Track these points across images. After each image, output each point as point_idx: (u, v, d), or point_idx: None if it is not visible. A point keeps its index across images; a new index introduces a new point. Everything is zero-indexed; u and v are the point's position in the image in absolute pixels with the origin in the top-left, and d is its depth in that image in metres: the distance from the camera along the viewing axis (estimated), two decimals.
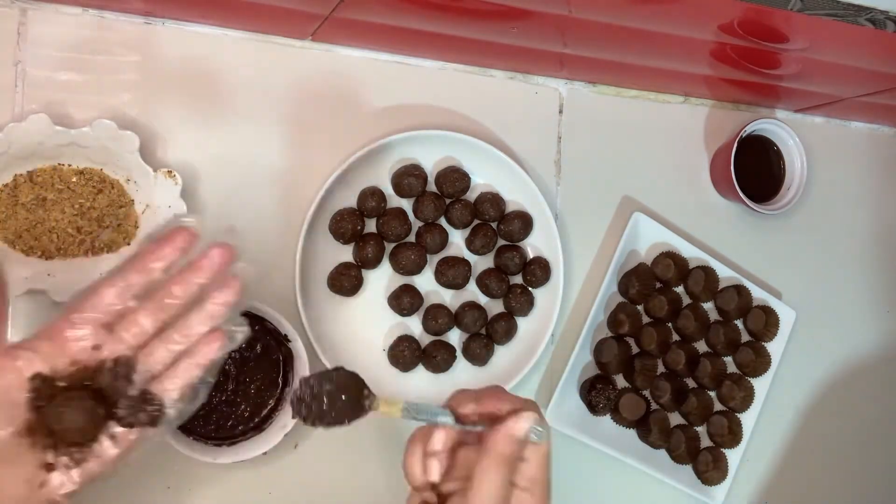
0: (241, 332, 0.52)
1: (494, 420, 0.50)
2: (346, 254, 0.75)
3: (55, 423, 0.47)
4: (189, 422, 0.66)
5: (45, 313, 0.65)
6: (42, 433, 0.47)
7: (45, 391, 0.47)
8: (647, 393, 0.82)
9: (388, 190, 0.76)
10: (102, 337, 0.49)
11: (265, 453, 0.67)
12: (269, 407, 0.68)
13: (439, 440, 0.51)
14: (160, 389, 0.50)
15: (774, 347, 0.87)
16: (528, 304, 0.77)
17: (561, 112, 0.83)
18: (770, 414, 0.89)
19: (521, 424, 0.50)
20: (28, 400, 0.47)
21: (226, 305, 0.51)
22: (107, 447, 0.49)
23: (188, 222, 0.52)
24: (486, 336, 0.77)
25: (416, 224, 0.77)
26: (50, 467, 0.48)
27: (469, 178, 0.76)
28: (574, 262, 0.82)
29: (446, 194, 0.76)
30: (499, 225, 0.78)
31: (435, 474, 0.50)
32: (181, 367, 0.51)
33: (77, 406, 0.48)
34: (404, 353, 0.74)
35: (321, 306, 0.73)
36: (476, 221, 0.78)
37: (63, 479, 0.48)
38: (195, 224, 0.52)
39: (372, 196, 0.73)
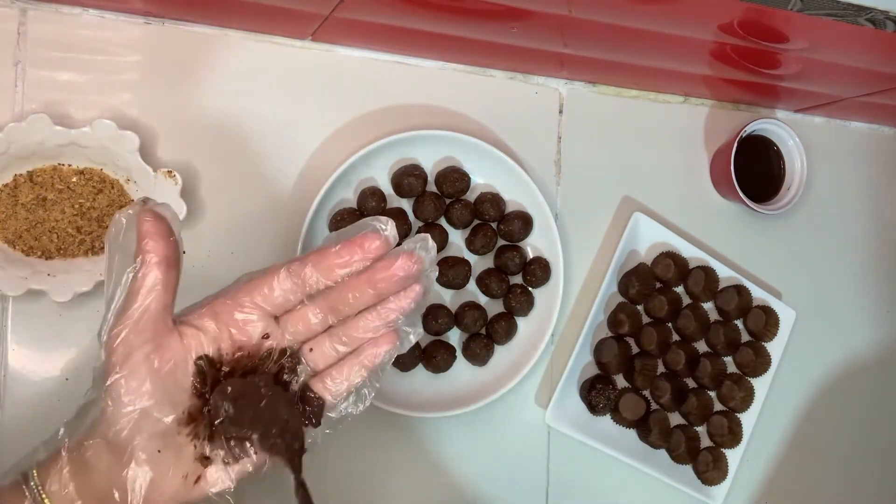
0: (416, 334, 0.50)
1: None
2: None
3: (218, 412, 0.44)
4: None
5: (45, 313, 0.65)
6: (204, 423, 0.44)
7: (209, 376, 0.44)
8: (647, 393, 0.82)
9: (388, 190, 0.76)
10: (270, 326, 0.46)
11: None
12: None
13: None
14: (321, 388, 0.48)
15: (774, 347, 0.87)
16: (528, 304, 0.77)
17: (561, 112, 0.83)
18: (770, 414, 0.89)
19: None
20: (192, 384, 0.44)
21: (401, 312, 0.48)
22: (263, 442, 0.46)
23: (385, 230, 0.47)
24: (486, 336, 0.77)
25: (416, 224, 0.77)
26: (206, 461, 0.44)
27: (469, 178, 0.76)
28: (574, 262, 0.82)
29: (446, 194, 0.76)
30: (499, 225, 0.78)
31: None
32: (346, 366, 0.48)
33: (244, 395, 0.44)
34: (404, 353, 0.74)
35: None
36: (476, 221, 0.78)
37: (220, 476, 0.45)
38: (391, 232, 0.47)
39: (372, 196, 0.73)
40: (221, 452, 0.45)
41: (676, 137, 0.88)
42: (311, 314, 0.47)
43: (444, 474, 0.77)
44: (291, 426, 0.46)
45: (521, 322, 0.79)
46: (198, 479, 0.45)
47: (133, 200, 0.67)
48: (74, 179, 0.65)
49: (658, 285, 0.84)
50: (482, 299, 0.79)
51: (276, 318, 0.47)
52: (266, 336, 0.47)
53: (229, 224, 0.71)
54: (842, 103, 0.89)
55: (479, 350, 0.76)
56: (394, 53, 0.77)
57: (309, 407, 0.47)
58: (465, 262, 0.77)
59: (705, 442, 0.85)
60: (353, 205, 0.74)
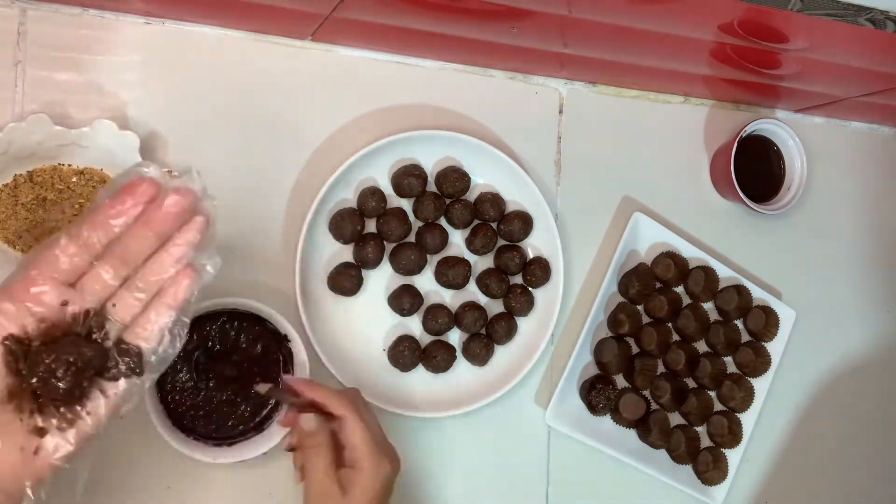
0: (213, 265, 0.50)
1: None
2: (346, 254, 0.75)
3: (38, 383, 0.46)
4: (189, 422, 0.66)
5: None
6: (26, 397, 0.46)
7: (19, 352, 0.46)
8: (647, 393, 0.82)
9: (388, 190, 0.76)
10: (67, 293, 0.47)
11: (265, 453, 0.67)
12: (269, 407, 0.68)
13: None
14: (134, 337, 0.49)
15: (774, 347, 0.87)
16: (528, 304, 0.77)
17: (561, 112, 0.83)
18: (770, 414, 0.89)
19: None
20: (4, 363, 0.45)
21: (189, 245, 0.49)
22: (96, 403, 0.47)
23: (148, 171, 0.48)
24: (486, 336, 0.77)
25: (416, 224, 0.77)
26: (42, 431, 0.46)
27: (469, 178, 0.76)
28: (574, 262, 0.82)
29: (446, 194, 0.76)
30: (499, 225, 0.78)
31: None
32: (152, 311, 0.49)
33: (57, 361, 0.46)
34: (404, 353, 0.74)
35: (321, 306, 0.73)
36: (476, 221, 0.78)
37: (58, 442, 0.46)
38: (155, 173, 0.48)
39: (372, 196, 0.73)
40: (55, 421, 0.46)
41: (676, 137, 0.88)
42: (103, 272, 0.48)
43: (444, 474, 0.77)
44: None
45: (521, 322, 0.79)
46: (36, 450, 0.46)
47: None
48: (74, 179, 0.65)
49: (658, 285, 0.84)
50: (482, 299, 0.79)
51: (73, 285, 0.48)
52: (65, 303, 0.48)
53: (229, 224, 0.71)
54: (842, 103, 0.89)
55: (479, 350, 0.76)
56: (394, 53, 0.77)
57: (128, 358, 0.49)
58: (465, 262, 0.76)
59: (705, 442, 0.85)
60: (353, 205, 0.74)
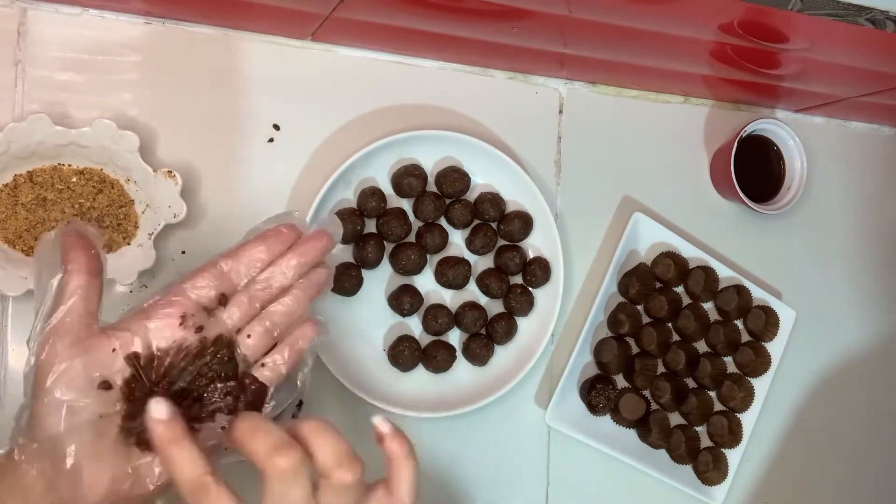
0: (328, 323, 0.54)
1: None
2: (346, 254, 0.75)
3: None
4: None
5: None
6: (135, 421, 0.46)
7: (141, 370, 0.46)
8: (647, 393, 0.82)
9: (388, 190, 0.76)
10: (203, 318, 0.49)
11: None
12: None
13: None
14: (260, 374, 0.50)
15: (774, 347, 0.87)
16: (528, 304, 0.77)
17: (561, 112, 0.83)
18: (770, 414, 0.89)
19: None
20: (124, 383, 0.46)
21: (319, 287, 0.53)
22: (206, 436, 0.47)
23: (296, 219, 0.53)
24: (486, 336, 0.77)
25: (416, 224, 0.77)
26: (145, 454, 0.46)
27: (469, 178, 0.76)
28: (574, 262, 0.82)
29: (446, 194, 0.76)
30: (499, 225, 0.78)
31: None
32: (278, 353, 0.50)
33: (190, 383, 0.46)
34: (404, 353, 0.74)
35: (321, 306, 0.73)
36: (476, 221, 0.78)
37: (158, 470, 0.46)
38: (300, 222, 0.53)
39: (372, 196, 0.73)
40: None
41: (676, 137, 0.88)
42: (240, 303, 0.50)
43: (444, 474, 0.77)
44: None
45: (521, 322, 0.79)
46: (143, 474, 0.46)
47: (132, 200, 0.67)
48: (74, 179, 0.65)
49: (658, 285, 0.84)
50: (482, 299, 0.79)
51: (208, 311, 0.50)
52: (200, 328, 0.49)
53: (229, 224, 0.71)
54: (842, 103, 0.89)
55: (479, 350, 0.76)
56: (394, 53, 0.77)
57: (252, 394, 0.49)
58: (465, 262, 0.76)
59: (705, 442, 0.85)
60: (353, 205, 0.74)
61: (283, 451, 0.41)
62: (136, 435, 0.46)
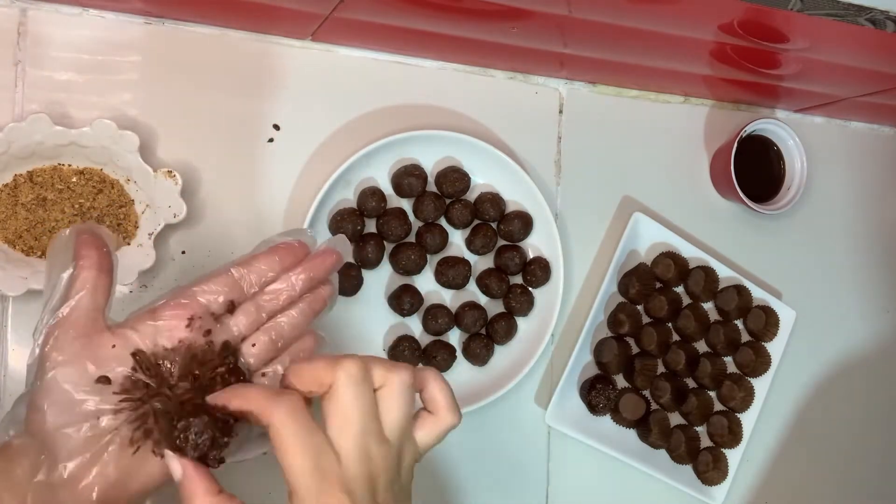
0: (328, 340, 0.55)
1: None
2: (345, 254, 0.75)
3: (161, 404, 0.45)
4: None
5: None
6: (134, 419, 0.46)
7: (147, 368, 0.46)
8: (647, 393, 0.82)
9: (388, 190, 0.76)
10: (210, 323, 0.49)
11: (265, 453, 0.67)
12: None
13: None
14: (260, 384, 0.50)
15: (774, 347, 0.87)
16: (528, 304, 0.77)
17: (561, 112, 0.83)
18: (770, 414, 0.89)
19: None
20: (126, 380, 0.46)
21: (324, 303, 0.53)
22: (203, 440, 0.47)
23: (308, 236, 0.54)
24: (486, 336, 0.77)
25: (416, 224, 0.77)
26: (153, 454, 0.46)
27: (469, 178, 0.76)
28: (574, 262, 0.82)
29: (446, 194, 0.76)
30: (499, 225, 0.78)
31: None
32: (280, 362, 0.51)
33: (192, 386, 0.46)
34: (404, 353, 0.74)
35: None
36: (476, 221, 0.78)
37: (159, 468, 0.46)
38: (311, 239, 0.54)
39: (372, 196, 0.73)
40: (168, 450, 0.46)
41: (676, 137, 0.88)
42: (248, 311, 0.51)
43: (444, 474, 0.77)
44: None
45: (521, 322, 0.79)
46: (135, 473, 0.46)
47: (132, 200, 0.67)
48: (74, 179, 0.65)
49: (658, 285, 0.84)
50: (482, 299, 0.78)
51: (216, 317, 0.50)
52: (208, 332, 0.49)
53: (229, 224, 0.71)
54: (842, 103, 0.89)
55: (479, 350, 0.76)
56: (394, 53, 0.77)
57: None
58: (465, 262, 0.76)
59: (705, 442, 0.85)
60: (353, 205, 0.74)
61: (347, 360, 0.44)
62: (133, 432, 0.46)
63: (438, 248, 0.76)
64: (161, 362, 0.47)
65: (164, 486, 0.47)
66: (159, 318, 0.48)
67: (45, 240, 0.65)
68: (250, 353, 0.50)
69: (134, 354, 0.46)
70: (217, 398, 0.45)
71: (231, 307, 0.50)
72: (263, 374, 0.51)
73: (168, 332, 0.48)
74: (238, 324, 0.50)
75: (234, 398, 0.45)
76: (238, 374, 0.48)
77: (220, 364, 0.48)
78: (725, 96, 0.89)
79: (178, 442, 0.44)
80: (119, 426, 0.46)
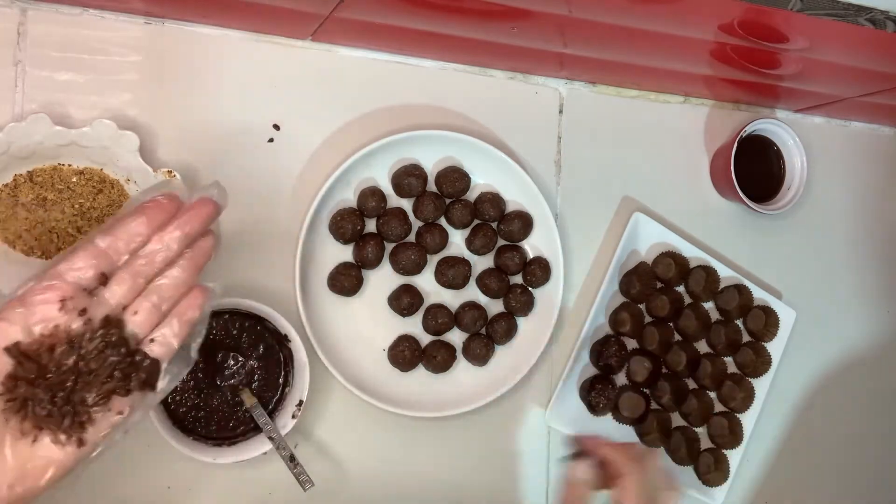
0: (219, 286, 0.51)
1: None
2: (346, 254, 0.75)
3: (44, 395, 0.44)
4: (190, 422, 0.66)
5: None
6: (31, 407, 0.44)
7: (26, 359, 0.44)
8: (647, 390, 0.82)
9: (388, 190, 0.76)
10: (85, 300, 0.46)
11: (265, 453, 0.67)
12: (269, 407, 0.68)
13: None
14: (150, 350, 0.48)
15: (774, 347, 0.87)
16: (528, 304, 0.77)
17: (561, 112, 0.83)
18: (770, 414, 0.89)
19: None
20: (7, 376, 0.44)
21: (207, 256, 0.50)
22: (102, 417, 0.46)
23: (174, 184, 0.51)
24: (486, 336, 0.77)
25: (416, 224, 0.77)
26: (46, 447, 0.44)
27: (469, 178, 0.76)
28: (574, 262, 0.82)
29: (446, 194, 0.76)
30: (499, 225, 0.78)
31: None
32: (168, 326, 0.48)
33: (70, 371, 0.44)
34: (404, 353, 0.74)
35: (321, 306, 0.73)
36: (476, 221, 0.78)
37: (54, 456, 0.45)
38: (181, 189, 0.50)
39: (372, 196, 0.73)
40: (62, 436, 0.45)
41: (676, 137, 0.88)
42: (124, 281, 0.48)
43: (445, 474, 0.77)
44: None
45: (521, 322, 0.79)
46: (33, 465, 0.44)
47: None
48: (74, 179, 0.65)
49: (659, 285, 0.84)
50: (482, 299, 0.79)
51: (90, 292, 0.47)
52: (84, 311, 0.46)
53: (229, 224, 0.71)
54: (842, 103, 0.89)
55: (479, 350, 0.76)
56: (394, 53, 0.77)
57: (143, 371, 0.47)
58: (465, 262, 0.77)
59: (706, 443, 0.85)
60: (353, 205, 0.74)
61: (642, 456, 0.64)
62: (22, 424, 0.44)
63: (438, 248, 0.76)
64: (41, 350, 0.45)
65: (62, 479, 0.45)
66: (28, 306, 0.45)
67: (44, 240, 0.65)
68: (134, 322, 0.48)
69: (7, 349, 0.44)
70: (585, 443, 0.65)
71: (104, 279, 0.47)
72: (152, 340, 0.48)
73: (41, 318, 0.45)
74: (115, 295, 0.47)
75: (598, 449, 0.64)
76: (122, 346, 0.46)
77: (102, 341, 0.46)
78: (725, 96, 0.89)
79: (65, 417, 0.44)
80: (8, 423, 0.44)
